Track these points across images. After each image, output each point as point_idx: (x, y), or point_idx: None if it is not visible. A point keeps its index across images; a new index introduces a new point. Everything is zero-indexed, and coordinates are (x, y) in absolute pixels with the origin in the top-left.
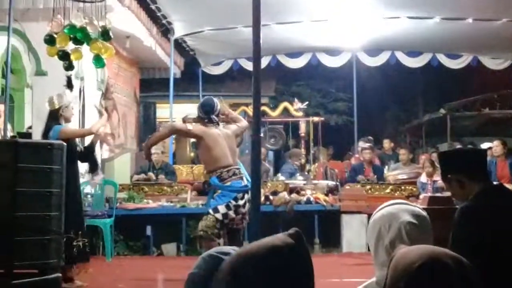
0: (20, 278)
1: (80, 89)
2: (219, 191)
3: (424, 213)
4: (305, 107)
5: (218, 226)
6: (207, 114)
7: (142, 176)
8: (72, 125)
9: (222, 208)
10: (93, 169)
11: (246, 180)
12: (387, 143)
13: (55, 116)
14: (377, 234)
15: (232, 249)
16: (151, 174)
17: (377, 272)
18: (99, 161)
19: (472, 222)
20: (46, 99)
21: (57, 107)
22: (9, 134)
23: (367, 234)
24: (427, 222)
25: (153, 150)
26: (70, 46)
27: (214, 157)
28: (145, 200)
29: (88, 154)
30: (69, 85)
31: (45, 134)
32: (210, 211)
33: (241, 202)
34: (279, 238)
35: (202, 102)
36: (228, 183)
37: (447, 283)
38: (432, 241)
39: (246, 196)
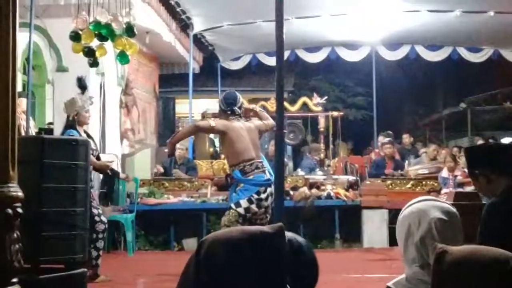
0: (46, 273)
1: (100, 84)
2: (242, 185)
3: (454, 209)
4: (324, 101)
5: (240, 221)
6: (229, 106)
7: (154, 169)
8: (93, 122)
9: (244, 203)
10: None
11: (268, 174)
12: (406, 138)
13: (69, 121)
14: (407, 231)
15: None
16: (159, 167)
17: (407, 269)
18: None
19: (500, 219)
20: (67, 94)
21: (68, 113)
22: (32, 130)
23: (396, 231)
24: (457, 219)
25: (178, 145)
26: (93, 43)
27: (237, 151)
28: (165, 196)
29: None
30: (81, 86)
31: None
32: (232, 205)
33: (263, 196)
34: (260, 228)
35: (224, 95)
36: (251, 177)
37: None
38: (462, 238)
39: (269, 190)
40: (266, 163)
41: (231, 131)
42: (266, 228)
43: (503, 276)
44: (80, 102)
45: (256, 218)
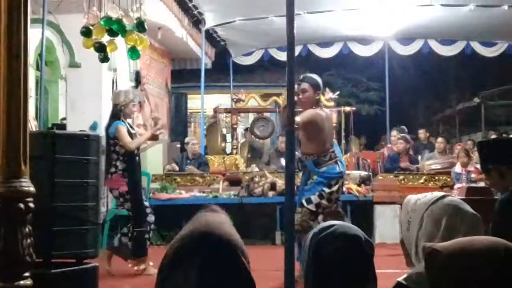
0: (58, 267)
1: (112, 80)
2: (315, 177)
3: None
4: (337, 97)
5: (312, 218)
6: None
7: (168, 167)
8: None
9: (315, 199)
10: None
11: (340, 164)
12: (422, 133)
13: (115, 112)
14: (446, 229)
15: None
16: (174, 165)
17: (419, 265)
18: None
19: None
20: (80, 89)
21: (116, 103)
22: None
23: (424, 224)
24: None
25: (188, 140)
26: (104, 38)
27: (316, 141)
28: (177, 191)
29: None
30: (136, 80)
31: (107, 129)
32: (304, 203)
33: (334, 188)
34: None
35: (318, 78)
36: (324, 168)
37: None
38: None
39: (340, 181)
40: (338, 150)
41: (318, 120)
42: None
43: (498, 265)
44: (132, 95)
45: (324, 211)
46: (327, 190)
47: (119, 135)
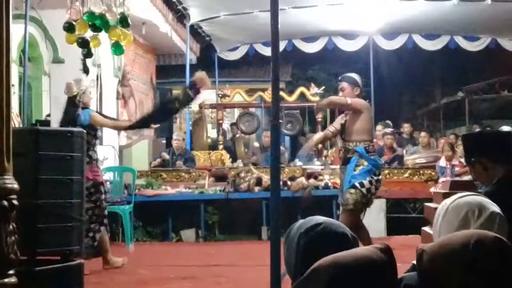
0: (43, 265)
1: (97, 76)
2: (365, 163)
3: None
4: (322, 91)
5: (364, 201)
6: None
7: (158, 161)
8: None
9: (367, 183)
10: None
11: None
12: (407, 127)
13: (73, 103)
14: (463, 219)
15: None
16: (164, 154)
17: None
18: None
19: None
20: (64, 86)
21: (75, 93)
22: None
23: (443, 219)
24: None
25: (174, 136)
26: (88, 34)
27: (366, 129)
28: (163, 187)
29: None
30: (85, 69)
31: (69, 121)
32: (357, 185)
33: (379, 177)
34: (373, 251)
35: (356, 76)
36: (373, 157)
37: (504, 256)
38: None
39: (381, 174)
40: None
41: (366, 110)
42: (376, 253)
43: (468, 257)
44: (83, 84)
45: (371, 198)
46: (374, 177)
47: (98, 120)
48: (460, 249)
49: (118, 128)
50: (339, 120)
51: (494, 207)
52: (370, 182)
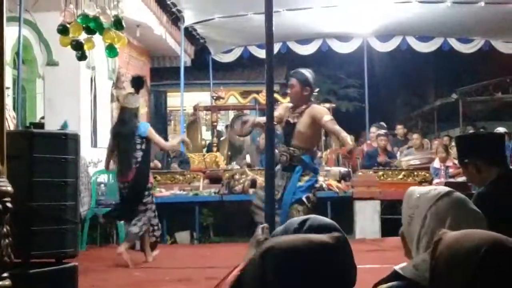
0: (37, 267)
1: (91, 78)
2: (311, 174)
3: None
4: (316, 93)
5: (310, 213)
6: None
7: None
8: (84, 116)
9: (312, 197)
10: None
11: None
12: (400, 129)
13: (135, 114)
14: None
15: None
16: (156, 162)
17: (417, 257)
18: None
19: (489, 209)
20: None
21: (134, 106)
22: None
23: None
24: None
25: (169, 139)
26: (82, 36)
27: (317, 136)
28: (158, 189)
29: None
30: (139, 84)
31: (129, 131)
32: (305, 200)
33: (317, 186)
34: (322, 239)
35: (308, 74)
36: (315, 165)
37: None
38: None
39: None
40: None
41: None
42: (327, 238)
43: (476, 262)
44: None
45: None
46: (316, 185)
47: (153, 135)
48: (471, 253)
49: (162, 146)
50: (286, 111)
51: (471, 205)
52: (314, 193)
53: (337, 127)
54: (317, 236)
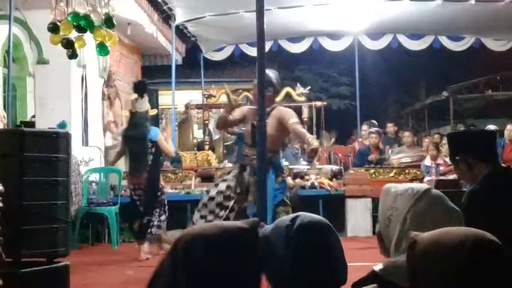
0: (28, 266)
1: (82, 77)
2: (283, 174)
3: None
4: (308, 92)
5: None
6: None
7: None
8: (75, 115)
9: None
10: None
11: None
12: (391, 127)
13: (146, 118)
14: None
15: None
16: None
17: (395, 256)
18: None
19: (479, 206)
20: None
21: (146, 109)
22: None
23: (407, 225)
24: None
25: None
26: (73, 34)
27: (283, 138)
28: None
29: None
30: (143, 89)
31: (141, 135)
32: (287, 201)
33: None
34: (235, 224)
35: (272, 74)
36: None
37: (499, 260)
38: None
39: None
40: None
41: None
42: (241, 223)
43: (464, 257)
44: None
45: None
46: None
47: (161, 142)
48: (455, 247)
49: (167, 154)
50: (250, 113)
51: (449, 202)
52: (290, 193)
53: (302, 130)
54: (231, 222)
